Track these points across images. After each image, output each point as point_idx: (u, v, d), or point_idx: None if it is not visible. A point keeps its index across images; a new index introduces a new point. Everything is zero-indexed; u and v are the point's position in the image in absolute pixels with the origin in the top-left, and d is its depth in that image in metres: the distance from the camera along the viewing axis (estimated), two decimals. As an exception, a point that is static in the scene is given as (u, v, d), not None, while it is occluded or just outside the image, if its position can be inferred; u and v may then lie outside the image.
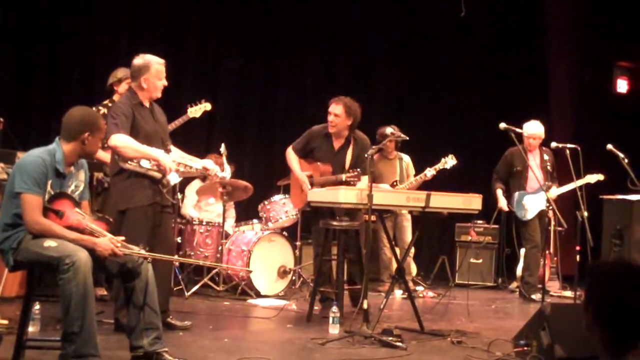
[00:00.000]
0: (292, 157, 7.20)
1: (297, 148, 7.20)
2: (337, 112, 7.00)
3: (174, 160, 5.85)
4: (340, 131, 7.05)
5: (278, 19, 11.03)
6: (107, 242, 4.49)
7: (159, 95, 5.93)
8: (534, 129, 8.72)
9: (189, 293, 7.97)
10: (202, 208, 9.22)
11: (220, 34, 10.70)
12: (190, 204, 9.14)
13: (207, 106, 7.72)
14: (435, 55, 11.80)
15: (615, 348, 2.42)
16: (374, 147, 6.42)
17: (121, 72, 7.21)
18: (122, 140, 5.55)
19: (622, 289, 2.42)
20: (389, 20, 11.71)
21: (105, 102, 7.27)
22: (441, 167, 8.66)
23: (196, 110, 7.65)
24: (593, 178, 8.60)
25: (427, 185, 8.27)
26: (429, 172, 8.76)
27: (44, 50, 9.29)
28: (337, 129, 7.04)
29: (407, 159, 9.36)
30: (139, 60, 5.90)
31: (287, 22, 11.10)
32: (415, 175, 9.10)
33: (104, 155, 6.28)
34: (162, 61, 5.93)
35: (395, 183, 9.03)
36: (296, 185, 7.26)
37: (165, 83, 5.93)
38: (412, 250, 9.12)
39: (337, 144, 7.13)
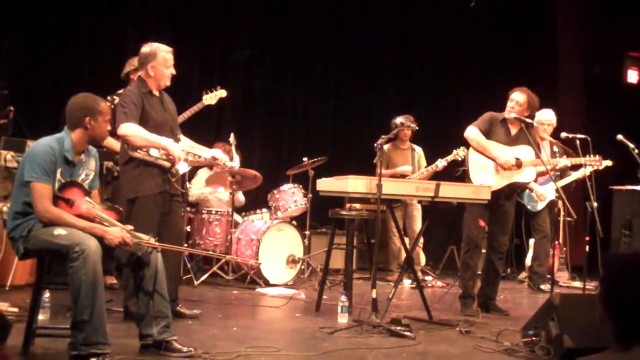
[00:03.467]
0: (483, 137, 6.95)
1: (481, 129, 6.98)
2: (520, 100, 6.99)
3: (183, 150, 5.85)
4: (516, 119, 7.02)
5: (287, 10, 11.03)
6: (118, 230, 4.50)
7: (168, 83, 5.92)
8: (546, 115, 8.70)
9: (198, 282, 8.00)
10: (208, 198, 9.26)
11: (229, 23, 10.70)
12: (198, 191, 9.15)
13: (222, 93, 7.61)
14: (445, 47, 11.77)
15: (627, 339, 2.42)
16: (383, 136, 6.40)
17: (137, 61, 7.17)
18: (131, 129, 5.55)
19: (635, 282, 2.42)
20: (398, 12, 11.69)
21: (120, 91, 7.19)
22: (452, 159, 8.73)
23: (211, 98, 7.56)
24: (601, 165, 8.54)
25: (439, 177, 8.26)
26: (440, 163, 8.86)
27: (53, 40, 9.32)
28: (511, 117, 7.01)
29: (419, 150, 9.42)
30: (146, 48, 5.90)
31: (296, 13, 11.10)
32: (427, 166, 9.15)
33: (114, 144, 6.28)
34: (169, 49, 5.92)
35: None
36: (480, 167, 7.00)
37: (174, 71, 5.91)
38: (421, 240, 9.14)
39: (513, 129, 7.09)
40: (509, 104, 7.01)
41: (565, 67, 12.27)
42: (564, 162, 7.69)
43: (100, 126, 4.69)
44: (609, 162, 8.63)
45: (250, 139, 10.25)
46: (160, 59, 5.82)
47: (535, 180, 8.23)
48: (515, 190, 7.16)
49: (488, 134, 6.99)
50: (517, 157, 6.90)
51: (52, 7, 9.29)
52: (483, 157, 6.94)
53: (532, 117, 7.20)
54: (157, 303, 4.67)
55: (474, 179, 6.90)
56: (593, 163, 7.66)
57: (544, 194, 8.73)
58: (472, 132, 6.95)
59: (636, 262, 2.48)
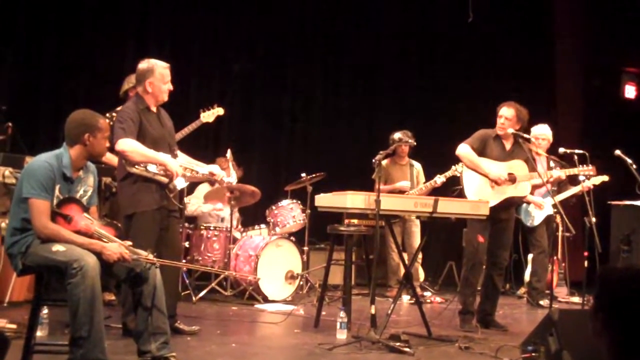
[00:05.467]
0: (474, 154, 6.95)
1: (474, 147, 6.98)
2: (508, 116, 6.99)
3: (181, 165, 5.86)
4: (509, 134, 7.00)
5: (284, 23, 11.06)
6: (116, 246, 4.50)
7: (165, 98, 5.93)
8: (541, 130, 8.73)
9: (197, 298, 7.98)
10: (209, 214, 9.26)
11: (227, 38, 10.72)
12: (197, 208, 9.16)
13: (219, 111, 7.65)
14: (443, 61, 11.79)
15: (622, 355, 2.41)
16: (382, 152, 6.41)
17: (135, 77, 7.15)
18: (129, 145, 5.56)
19: (631, 296, 2.41)
20: (396, 24, 11.72)
21: (119, 108, 7.16)
22: (451, 175, 8.71)
23: (209, 115, 7.58)
24: (598, 180, 8.55)
25: (437, 193, 8.26)
26: (439, 179, 8.84)
27: (51, 56, 9.35)
28: (506, 132, 7.00)
29: (418, 166, 9.43)
30: (143, 64, 5.91)
31: (293, 26, 11.13)
32: (425, 182, 9.15)
33: (113, 160, 6.29)
34: (166, 65, 5.94)
35: None
36: (475, 184, 6.97)
37: (171, 87, 5.93)
38: (420, 255, 9.13)
39: (508, 144, 7.10)
40: (499, 121, 7.03)
41: (562, 83, 12.30)
42: (558, 173, 7.69)
43: (99, 143, 4.70)
44: (605, 177, 8.63)
45: (248, 154, 10.25)
46: (157, 75, 5.84)
47: (532, 193, 8.23)
48: (512, 205, 7.16)
49: (482, 151, 6.99)
50: (510, 172, 6.92)
51: (51, 23, 9.31)
52: (477, 175, 6.95)
53: (526, 130, 7.22)
54: (156, 319, 4.67)
55: (469, 196, 6.90)
56: (586, 172, 7.67)
57: (543, 203, 8.70)
58: (463, 150, 6.96)
59: (634, 276, 2.47)
